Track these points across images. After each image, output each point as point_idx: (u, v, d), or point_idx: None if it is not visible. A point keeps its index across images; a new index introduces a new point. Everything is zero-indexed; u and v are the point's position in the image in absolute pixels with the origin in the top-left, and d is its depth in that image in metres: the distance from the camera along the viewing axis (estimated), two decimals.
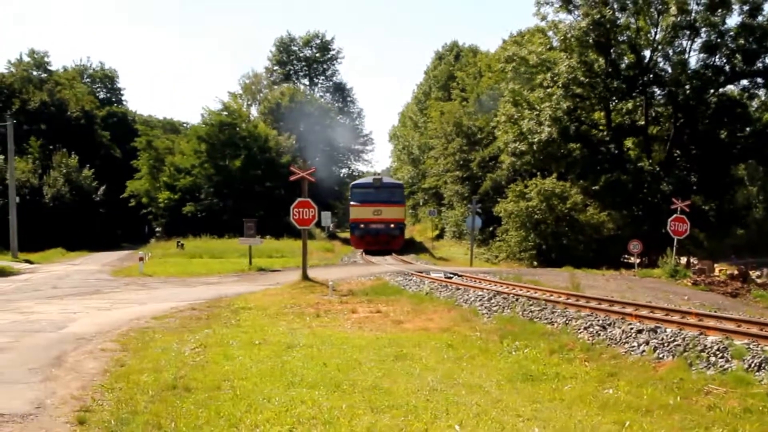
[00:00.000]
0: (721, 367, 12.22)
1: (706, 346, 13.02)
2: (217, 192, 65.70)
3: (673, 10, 44.68)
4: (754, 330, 14.86)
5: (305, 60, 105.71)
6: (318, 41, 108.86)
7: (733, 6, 49.43)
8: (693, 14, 48.48)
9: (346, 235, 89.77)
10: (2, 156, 56.02)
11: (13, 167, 52.76)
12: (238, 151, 66.81)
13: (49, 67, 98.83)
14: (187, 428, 9.32)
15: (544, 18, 54.33)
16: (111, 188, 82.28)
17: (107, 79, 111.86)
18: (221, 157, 66.81)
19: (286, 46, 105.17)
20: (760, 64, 50.66)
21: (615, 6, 48.46)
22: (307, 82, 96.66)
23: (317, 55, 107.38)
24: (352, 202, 68.47)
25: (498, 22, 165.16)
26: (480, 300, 21.22)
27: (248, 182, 64.75)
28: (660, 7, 46.85)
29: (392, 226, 66.50)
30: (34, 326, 18.63)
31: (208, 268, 41.28)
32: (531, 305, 19.09)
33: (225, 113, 70.39)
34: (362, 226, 65.45)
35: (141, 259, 40.53)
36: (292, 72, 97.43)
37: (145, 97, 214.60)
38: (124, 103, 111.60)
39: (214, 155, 66.75)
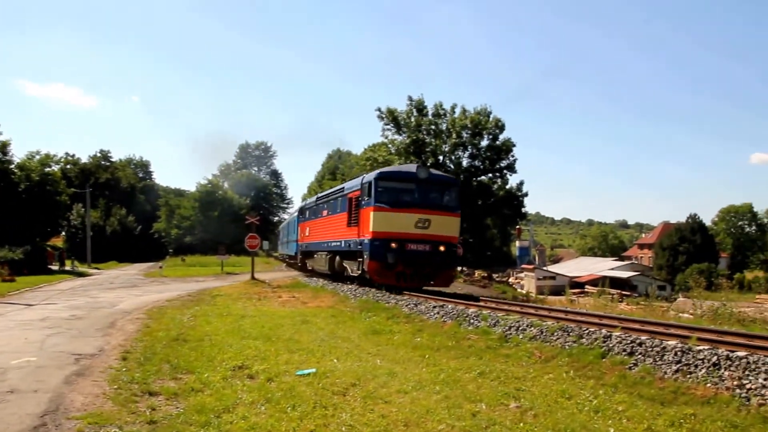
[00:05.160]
0: (476, 325, 14.41)
1: (468, 314, 15.34)
2: (204, 229, 66.18)
3: (454, 136, 44.01)
4: (492, 305, 17.51)
5: (255, 156, 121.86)
6: (263, 147, 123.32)
7: (485, 134, 56.14)
8: (463, 138, 55.05)
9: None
10: (84, 208, 55.20)
11: (89, 214, 54.04)
12: (216, 207, 67.22)
13: (110, 158, 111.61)
14: (185, 362, 10.34)
15: (386, 137, 60.29)
16: (144, 227, 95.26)
17: (143, 165, 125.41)
18: (207, 210, 67.26)
19: (245, 149, 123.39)
20: (498, 165, 59.35)
21: (425, 133, 47.33)
22: (256, 169, 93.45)
23: (262, 153, 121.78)
24: (366, 204, 21.80)
25: (363, 138, 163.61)
26: (351, 291, 22.88)
27: (221, 224, 64.14)
28: (446, 135, 44.90)
29: (442, 249, 21.32)
30: (99, 305, 20.71)
31: (198, 272, 50.01)
32: (377, 294, 20.59)
33: (209, 185, 70.82)
34: (393, 245, 20.63)
35: (160, 267, 41.05)
36: (248, 163, 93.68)
37: (166, 173, 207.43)
38: (153, 178, 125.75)
39: (203, 209, 67.95)
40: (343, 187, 25.94)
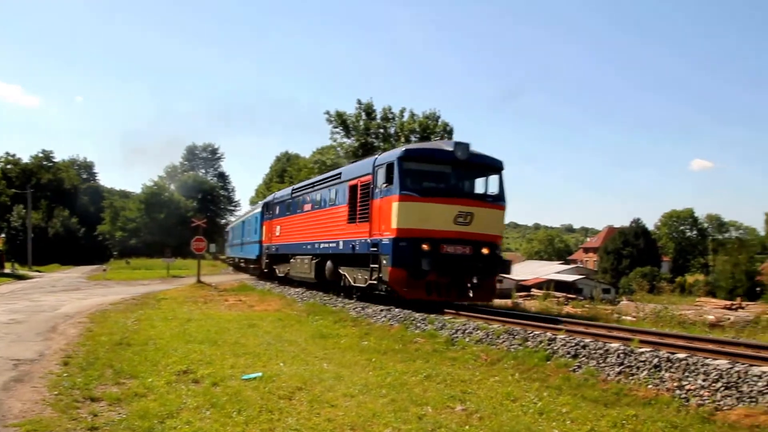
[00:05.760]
0: (422, 328, 14.39)
1: (415, 317, 15.32)
2: (150, 232, 65.41)
3: (403, 140, 52.41)
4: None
5: (203, 158, 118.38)
6: (210, 149, 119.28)
7: (433, 138, 54.17)
8: (412, 142, 54.95)
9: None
10: (25, 209, 54.60)
11: (31, 216, 52.55)
12: (162, 209, 66.29)
13: (53, 159, 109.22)
14: (128, 367, 10.10)
15: (335, 140, 57.52)
16: (88, 229, 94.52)
17: (87, 166, 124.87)
18: (152, 212, 66.50)
19: (192, 150, 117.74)
20: None
21: (374, 136, 52.09)
22: (203, 171, 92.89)
23: (209, 155, 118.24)
24: (386, 193, 16.53)
25: (312, 141, 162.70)
26: (298, 294, 22.79)
27: (168, 227, 63.36)
28: (395, 139, 53.08)
29: (485, 252, 16.42)
30: (40, 308, 20.09)
31: (143, 275, 47.18)
32: (324, 297, 20.71)
33: (155, 187, 69.96)
34: (425, 247, 15.54)
35: (104, 270, 39.91)
36: (195, 165, 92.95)
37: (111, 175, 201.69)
38: (98, 179, 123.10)
39: (148, 211, 67.16)
40: (340, 173, 20.55)
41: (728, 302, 37.87)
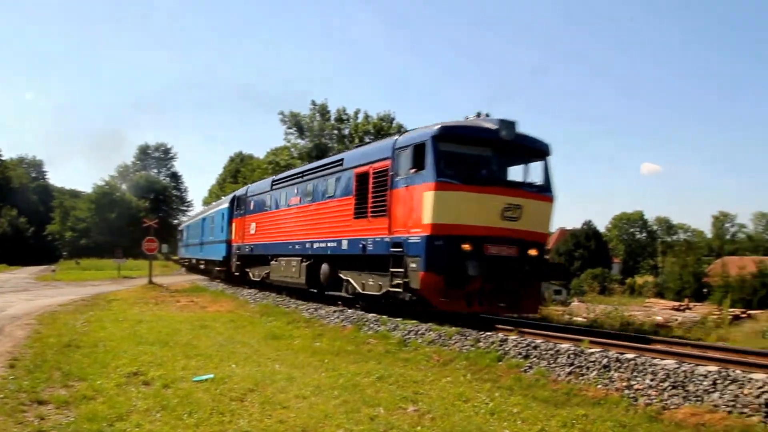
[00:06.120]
0: (375, 329, 14.42)
1: (368, 318, 15.28)
2: (100, 232, 64.53)
3: (357, 141, 52.84)
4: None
5: (155, 158, 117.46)
6: (162, 149, 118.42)
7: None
8: (366, 143, 47.18)
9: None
10: None
11: None
12: (113, 209, 65.44)
13: (1, 158, 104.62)
14: (77, 369, 9.81)
15: (289, 141, 59.90)
16: (37, 229, 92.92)
17: (36, 165, 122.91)
18: (103, 212, 65.57)
19: (144, 150, 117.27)
20: None
21: (328, 137, 53.11)
22: (156, 171, 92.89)
23: (162, 155, 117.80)
24: (413, 181, 13.73)
25: (265, 142, 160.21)
26: (251, 295, 22.56)
27: (119, 227, 62.59)
28: (349, 140, 54.21)
29: (533, 254, 13.86)
30: None
31: (94, 276, 44.98)
32: (277, 298, 20.61)
33: (106, 187, 69.17)
34: (467, 248, 12.84)
35: (53, 270, 39.15)
36: (147, 164, 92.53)
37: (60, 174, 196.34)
38: (47, 178, 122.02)
39: (100, 211, 66.12)
40: (341, 160, 17.79)
41: (676, 303, 38.63)
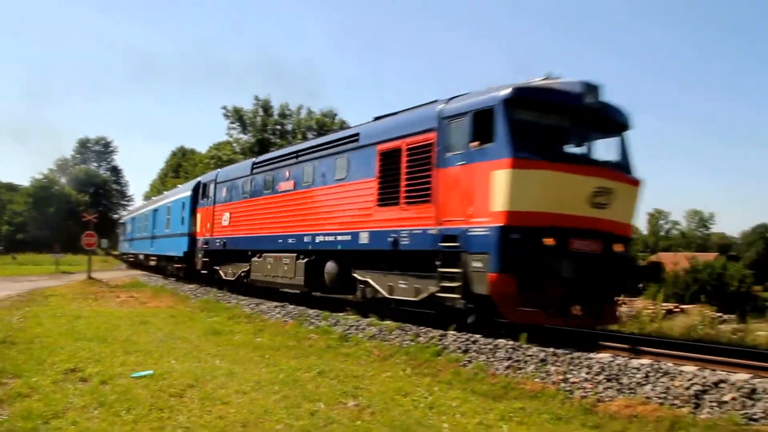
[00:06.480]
0: (317, 324, 14.39)
1: (309, 314, 15.25)
2: (38, 226, 63.11)
3: (299, 137, 52.84)
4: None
5: (95, 151, 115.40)
6: (103, 142, 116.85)
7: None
8: (309, 139, 47.82)
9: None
10: None
11: None
12: (52, 203, 64.24)
13: None
14: (12, 366, 9.48)
15: (231, 135, 58.26)
16: None
17: None
18: (41, 206, 64.33)
19: (84, 143, 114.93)
20: None
21: (270, 132, 52.32)
22: (96, 164, 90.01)
23: (102, 149, 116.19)
24: (471, 157, 11.05)
25: (207, 136, 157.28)
26: (192, 290, 22.14)
27: (57, 221, 61.54)
28: (292, 136, 53.89)
29: (619, 250, 11.12)
30: None
31: (31, 271, 46.48)
32: (218, 294, 20.35)
33: (45, 180, 67.92)
34: (550, 242, 10.26)
35: None
36: (87, 158, 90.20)
37: None
38: None
39: (37, 205, 64.63)
40: (356, 135, 14.99)
41: None
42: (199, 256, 24.47)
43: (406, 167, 12.84)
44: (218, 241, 22.57)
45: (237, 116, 56.17)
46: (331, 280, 15.67)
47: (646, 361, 8.69)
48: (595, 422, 7.40)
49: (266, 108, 56.53)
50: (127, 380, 8.63)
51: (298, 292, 17.96)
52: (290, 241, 17.25)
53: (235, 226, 21.29)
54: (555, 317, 10.66)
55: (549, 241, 10.37)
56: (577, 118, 11.42)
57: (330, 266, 15.67)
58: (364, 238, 13.99)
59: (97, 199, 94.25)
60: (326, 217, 15.72)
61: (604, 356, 9.05)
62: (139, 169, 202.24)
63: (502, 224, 10.36)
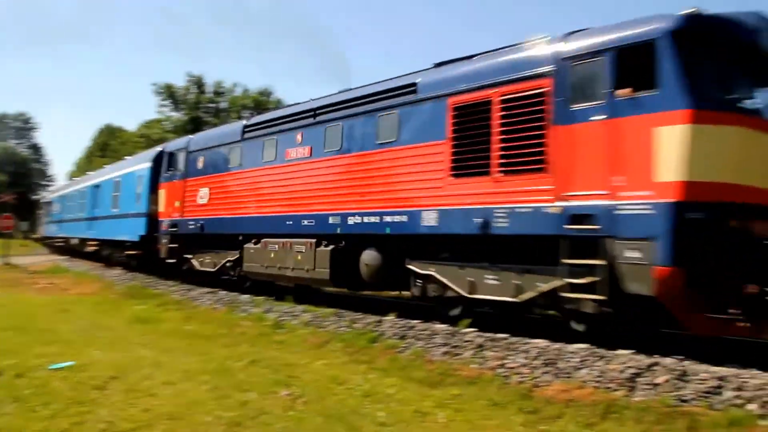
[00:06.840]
0: (249, 312, 14.11)
1: (241, 300, 14.92)
2: None
3: (234, 116, 50.55)
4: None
5: (14, 127, 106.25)
6: (23, 118, 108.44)
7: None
8: (244, 118, 47.14)
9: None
10: None
11: None
12: None
13: None
14: None
15: (162, 113, 57.28)
16: None
17: None
18: None
19: (2, 119, 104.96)
20: None
21: (203, 111, 53.64)
22: (15, 142, 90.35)
23: (22, 125, 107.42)
24: (631, 108, 8.02)
25: (138, 113, 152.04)
26: (117, 276, 21.57)
27: None
28: (226, 114, 54.50)
29: None
30: None
31: None
32: (145, 279, 19.71)
33: None
34: (734, 225, 7.73)
35: None
36: (5, 135, 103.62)
37: None
38: None
39: None
40: (413, 85, 11.66)
41: None
42: (164, 241, 20.16)
43: (500, 125, 9.95)
44: (192, 223, 18.52)
45: (168, 93, 54.82)
46: (371, 274, 12.52)
47: (582, 345, 8.64)
48: (532, 407, 7.31)
49: (199, 85, 55.45)
50: (44, 373, 8.20)
51: (315, 287, 15.21)
52: (305, 222, 13.95)
53: (217, 204, 17.46)
54: (733, 327, 7.94)
55: (734, 224, 8.02)
56: (758, 60, 8.71)
57: (369, 255, 12.53)
58: (429, 218, 10.99)
59: (16, 179, 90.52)
60: (365, 192, 12.45)
61: (541, 342, 8.98)
62: (62, 147, 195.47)
63: (675, 200, 7.80)
